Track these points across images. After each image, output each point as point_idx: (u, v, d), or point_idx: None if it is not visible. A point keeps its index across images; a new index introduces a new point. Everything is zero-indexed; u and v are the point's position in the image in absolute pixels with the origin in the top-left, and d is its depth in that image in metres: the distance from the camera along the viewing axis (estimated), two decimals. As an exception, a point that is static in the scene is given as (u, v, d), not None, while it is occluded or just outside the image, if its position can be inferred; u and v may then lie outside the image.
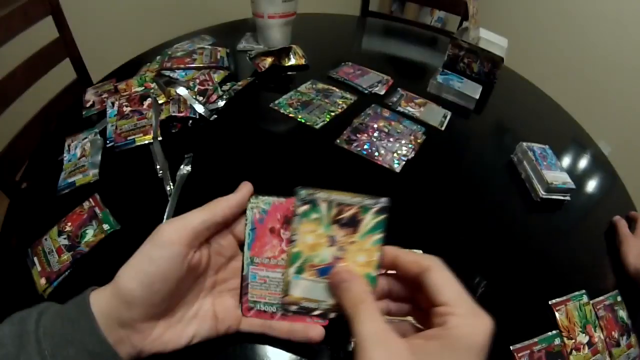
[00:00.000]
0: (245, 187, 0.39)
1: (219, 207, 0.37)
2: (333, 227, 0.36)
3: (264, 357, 0.42)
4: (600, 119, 1.76)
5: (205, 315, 0.38)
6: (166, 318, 0.36)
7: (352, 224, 0.36)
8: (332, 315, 0.36)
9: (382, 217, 0.36)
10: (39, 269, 0.50)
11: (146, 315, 0.33)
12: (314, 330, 0.37)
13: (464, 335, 0.28)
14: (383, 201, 0.36)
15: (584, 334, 0.48)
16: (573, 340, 0.47)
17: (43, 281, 0.49)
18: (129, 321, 0.33)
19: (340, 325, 0.34)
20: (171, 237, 0.34)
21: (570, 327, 0.48)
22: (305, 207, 0.36)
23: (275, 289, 0.38)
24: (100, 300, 0.33)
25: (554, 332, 0.47)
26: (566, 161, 0.76)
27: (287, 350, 0.41)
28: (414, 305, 0.36)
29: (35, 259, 0.52)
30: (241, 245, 0.40)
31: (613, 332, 0.49)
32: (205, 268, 0.39)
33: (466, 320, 0.29)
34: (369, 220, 0.36)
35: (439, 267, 0.32)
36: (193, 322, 0.37)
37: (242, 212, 0.40)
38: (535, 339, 0.46)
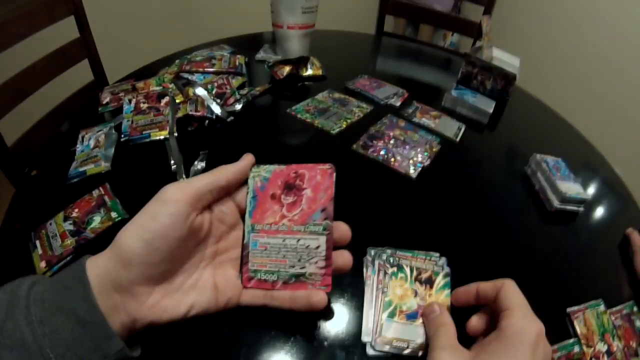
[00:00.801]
0: (248, 157, 0.41)
1: (222, 172, 0.38)
2: (416, 283, 0.45)
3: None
4: (615, 139, 1.75)
5: (205, 285, 0.37)
6: (164, 284, 0.35)
7: (428, 282, 0.45)
8: (420, 353, 0.39)
9: (448, 278, 0.45)
10: (40, 252, 0.49)
11: (144, 277, 0.32)
12: (316, 296, 0.36)
13: (516, 332, 0.33)
14: (448, 269, 0.46)
15: (602, 343, 0.46)
16: (592, 349, 0.45)
17: (43, 264, 0.47)
18: (126, 284, 0.32)
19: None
20: (175, 195, 0.34)
21: (589, 335, 0.46)
22: (394, 269, 0.46)
23: (276, 255, 0.38)
24: (97, 265, 0.32)
25: (573, 339, 0.46)
26: (580, 176, 0.76)
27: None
28: None
29: (38, 242, 0.50)
30: (243, 214, 0.40)
31: (631, 342, 0.48)
32: (206, 234, 0.38)
33: (519, 321, 0.33)
34: (440, 280, 0.45)
35: (511, 284, 0.37)
36: (192, 292, 0.36)
37: (245, 180, 0.40)
38: (555, 346, 0.44)
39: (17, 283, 0.31)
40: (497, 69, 0.94)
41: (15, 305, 0.28)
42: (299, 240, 0.37)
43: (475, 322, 0.39)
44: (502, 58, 1.08)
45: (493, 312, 0.38)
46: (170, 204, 0.34)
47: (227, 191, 0.39)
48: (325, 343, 0.40)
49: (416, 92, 0.92)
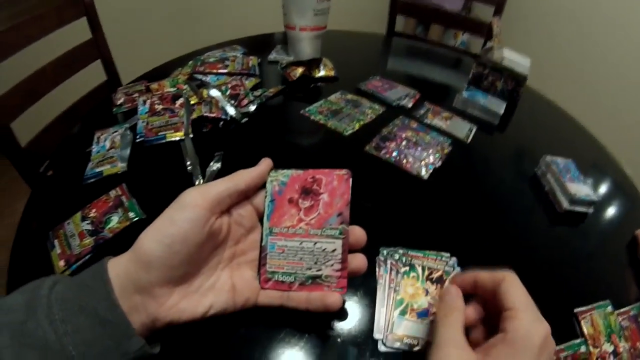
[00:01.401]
0: (266, 161, 0.41)
1: (241, 176, 0.39)
2: (427, 282, 0.46)
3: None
4: (625, 142, 1.74)
5: (223, 286, 0.37)
6: (183, 286, 0.35)
7: (439, 281, 0.46)
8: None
9: None
10: (59, 251, 0.50)
11: (164, 279, 0.33)
12: (331, 297, 0.37)
13: (522, 337, 0.31)
14: (458, 269, 0.47)
15: (609, 343, 0.47)
16: (599, 349, 0.46)
17: (62, 263, 0.48)
18: (146, 285, 0.32)
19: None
20: (194, 200, 0.35)
21: (595, 336, 0.47)
22: (406, 268, 0.47)
23: (293, 257, 0.38)
24: (118, 265, 0.32)
25: (580, 340, 0.46)
26: (589, 177, 0.75)
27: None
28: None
29: (56, 241, 0.51)
30: (261, 217, 0.41)
31: (638, 343, 0.48)
32: (225, 237, 0.39)
33: (526, 323, 0.32)
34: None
35: (512, 278, 0.35)
36: (210, 293, 0.37)
37: (263, 184, 0.41)
38: (562, 346, 0.45)
39: (38, 283, 0.31)
40: (507, 70, 0.94)
41: (37, 305, 0.29)
42: (315, 243, 0.38)
43: (470, 312, 0.38)
44: (513, 59, 1.08)
45: (487, 303, 0.37)
46: (190, 209, 0.34)
47: (245, 195, 0.40)
48: (339, 339, 0.41)
49: (428, 93, 0.93)
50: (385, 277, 0.47)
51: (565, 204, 0.64)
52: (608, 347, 0.46)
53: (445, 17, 1.49)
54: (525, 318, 0.32)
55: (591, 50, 1.96)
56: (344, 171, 0.40)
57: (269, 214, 0.40)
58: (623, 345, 0.47)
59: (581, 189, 0.64)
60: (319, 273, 0.38)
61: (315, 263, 0.38)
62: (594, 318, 0.48)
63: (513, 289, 0.34)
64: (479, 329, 0.37)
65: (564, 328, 0.47)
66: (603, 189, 0.75)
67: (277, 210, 0.40)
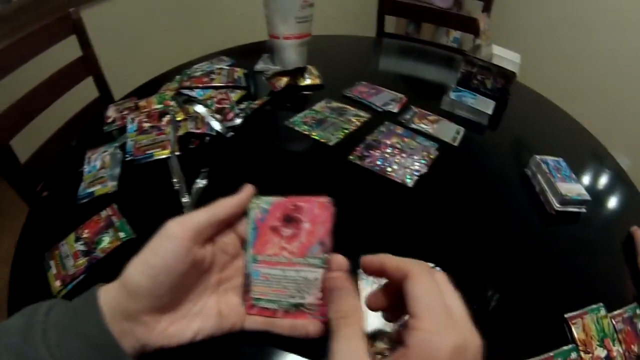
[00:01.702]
0: (247, 189, 0.41)
1: (222, 206, 0.39)
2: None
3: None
4: (619, 132, 1.73)
5: (210, 312, 0.39)
6: (171, 313, 0.36)
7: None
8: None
9: None
10: (55, 271, 0.52)
11: (151, 308, 0.34)
12: (312, 326, 0.38)
13: (424, 355, 0.27)
14: None
15: (601, 348, 0.46)
16: (590, 355, 0.46)
17: (58, 283, 0.50)
18: (134, 313, 0.33)
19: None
20: (175, 232, 0.36)
21: (587, 341, 0.47)
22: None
23: (277, 285, 0.39)
24: (107, 294, 0.34)
25: (571, 346, 0.46)
26: (583, 174, 0.76)
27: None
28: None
29: (52, 262, 0.53)
30: (244, 244, 0.41)
31: (632, 346, 0.48)
32: (209, 265, 0.39)
33: (428, 336, 0.27)
34: None
35: (420, 274, 0.31)
36: (197, 318, 0.38)
37: (245, 212, 0.41)
38: (551, 353, 0.45)
39: (34, 308, 0.33)
40: (496, 68, 0.94)
41: (34, 330, 0.31)
42: (298, 271, 0.38)
43: (374, 298, 0.36)
44: (503, 55, 1.08)
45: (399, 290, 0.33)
46: (172, 241, 0.35)
47: (228, 223, 0.41)
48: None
49: (415, 96, 0.93)
50: (367, 290, 0.48)
51: (557, 205, 0.64)
52: (600, 352, 0.46)
53: (435, 15, 1.49)
54: (428, 329, 0.27)
55: (582, 43, 1.96)
56: (325, 199, 0.39)
57: (252, 241, 0.40)
58: (617, 349, 0.47)
59: (573, 188, 0.64)
60: (302, 301, 0.38)
61: (298, 291, 0.38)
62: (585, 322, 0.48)
63: (417, 289, 0.30)
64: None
65: (555, 333, 0.48)
66: (596, 185, 0.74)
67: (260, 237, 0.40)
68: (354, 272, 0.48)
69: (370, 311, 0.37)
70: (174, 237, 0.35)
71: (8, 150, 0.86)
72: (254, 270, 0.40)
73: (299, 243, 0.38)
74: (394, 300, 0.36)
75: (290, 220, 0.39)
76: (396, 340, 0.36)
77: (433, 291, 0.30)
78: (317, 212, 0.39)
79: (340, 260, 0.40)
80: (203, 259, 0.38)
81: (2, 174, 0.85)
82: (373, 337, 0.43)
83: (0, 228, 1.52)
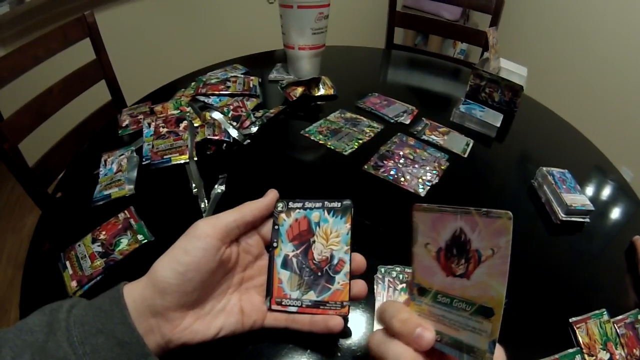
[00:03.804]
0: (272, 193, 0.44)
1: (248, 209, 0.42)
2: None
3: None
4: (622, 145, 1.76)
5: (233, 309, 0.40)
6: (196, 309, 0.38)
7: None
8: None
9: None
10: (71, 272, 0.52)
11: (178, 304, 0.35)
12: (333, 320, 0.39)
13: None
14: None
15: (605, 351, 0.48)
16: (594, 358, 0.47)
17: (74, 284, 0.50)
18: (161, 309, 0.35)
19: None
20: (206, 231, 0.37)
21: (591, 345, 0.48)
22: (403, 285, 0.50)
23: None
24: (133, 291, 0.35)
25: (575, 349, 0.47)
26: (587, 185, 0.77)
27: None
28: None
29: (68, 262, 0.53)
30: (267, 246, 0.44)
31: (634, 350, 0.49)
32: (234, 264, 0.41)
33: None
34: None
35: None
36: (221, 315, 0.39)
37: (269, 215, 0.44)
38: (557, 356, 0.46)
39: (56, 306, 0.33)
40: (504, 81, 0.96)
41: (57, 327, 0.31)
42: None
43: None
44: (510, 68, 1.10)
45: None
46: (202, 239, 0.37)
47: (252, 225, 0.43)
48: (339, 354, 0.43)
49: (426, 108, 0.95)
50: (383, 295, 0.49)
51: (562, 215, 0.65)
52: (604, 355, 0.47)
53: (442, 27, 1.51)
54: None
55: (588, 57, 1.99)
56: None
57: None
58: (619, 353, 0.48)
59: (577, 199, 0.66)
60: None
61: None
62: (589, 327, 0.49)
63: None
64: None
65: (560, 337, 0.49)
66: (601, 196, 0.76)
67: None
68: (369, 275, 0.50)
69: None
70: (205, 235, 0.37)
71: (17, 152, 0.86)
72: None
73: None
74: None
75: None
76: None
77: None
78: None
79: (359, 259, 0.42)
80: (229, 259, 0.40)
81: (13, 173, 0.85)
82: None
83: (5, 229, 1.53)
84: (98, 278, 0.51)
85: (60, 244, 0.56)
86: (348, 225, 0.42)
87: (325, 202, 0.43)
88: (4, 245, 1.42)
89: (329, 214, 0.43)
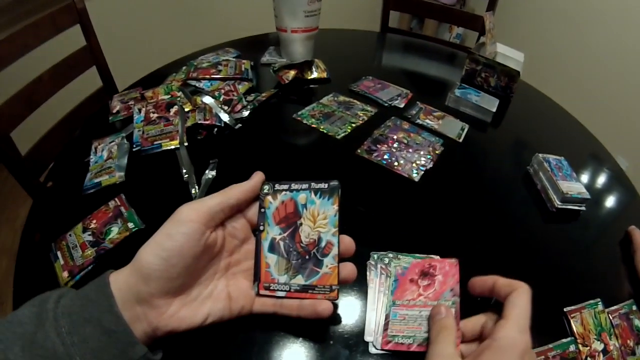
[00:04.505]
0: (257, 176, 0.44)
1: (233, 192, 0.41)
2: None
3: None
4: (618, 134, 1.75)
5: (220, 295, 0.40)
6: (182, 296, 0.37)
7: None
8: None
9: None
10: (62, 262, 0.51)
11: (163, 290, 0.35)
12: (322, 305, 0.39)
13: (507, 346, 0.33)
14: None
15: (599, 342, 0.48)
16: (588, 348, 0.47)
17: (65, 274, 0.50)
18: (146, 296, 0.34)
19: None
20: (189, 216, 0.37)
21: (585, 335, 0.48)
22: None
23: (413, 323, 0.43)
24: (119, 279, 0.34)
25: (569, 338, 0.47)
26: (583, 173, 0.77)
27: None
28: None
29: (59, 253, 0.53)
30: (253, 229, 0.44)
31: (628, 341, 0.49)
32: (220, 249, 0.41)
33: (512, 333, 0.34)
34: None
35: (524, 291, 0.37)
36: (207, 301, 0.39)
37: (255, 198, 0.43)
38: (550, 345, 0.46)
39: (45, 297, 0.33)
40: (501, 66, 0.95)
41: (45, 319, 0.31)
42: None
43: (471, 325, 0.40)
44: (506, 53, 1.09)
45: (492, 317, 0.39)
46: (185, 224, 0.36)
47: (238, 209, 0.42)
48: (331, 342, 0.43)
49: (420, 92, 0.93)
50: (376, 281, 0.49)
51: (557, 202, 0.65)
52: (598, 346, 0.47)
53: (439, 11, 1.49)
54: (513, 328, 0.34)
55: (586, 43, 1.97)
56: (453, 260, 0.45)
57: (392, 290, 0.45)
58: (614, 344, 0.48)
59: (573, 186, 0.65)
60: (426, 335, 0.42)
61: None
62: (583, 317, 0.49)
63: (517, 301, 0.36)
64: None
65: (554, 327, 0.49)
66: (597, 185, 0.76)
67: (400, 287, 0.46)
68: (362, 262, 0.49)
69: None
70: (188, 220, 0.37)
71: (8, 140, 0.85)
72: (392, 312, 0.44)
73: (433, 290, 0.43)
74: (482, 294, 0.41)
75: (426, 274, 0.45)
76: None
77: (527, 304, 0.36)
78: (447, 268, 0.44)
79: (347, 241, 0.42)
80: (214, 243, 0.39)
81: (4, 163, 0.84)
82: None
83: (-2, 220, 1.53)
84: (89, 268, 0.50)
85: (51, 234, 0.56)
86: (335, 207, 0.41)
87: (312, 184, 0.43)
88: (-1, 237, 1.42)
89: (315, 195, 0.42)
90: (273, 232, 0.42)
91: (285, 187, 0.43)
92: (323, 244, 0.41)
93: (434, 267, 0.45)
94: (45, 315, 0.31)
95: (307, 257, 0.41)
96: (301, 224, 0.42)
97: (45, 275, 0.51)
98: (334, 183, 0.42)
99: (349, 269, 0.41)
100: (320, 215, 0.42)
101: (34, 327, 0.31)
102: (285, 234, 0.42)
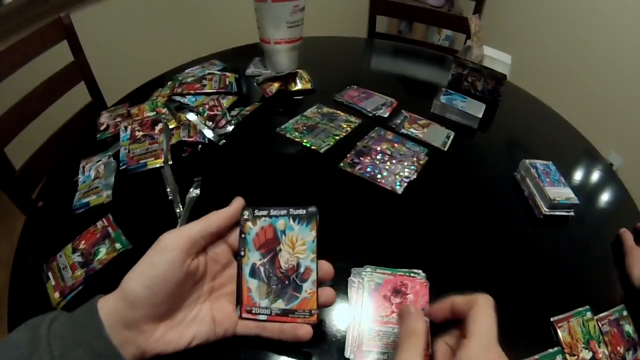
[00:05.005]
0: (237, 202, 0.44)
1: (213, 219, 0.42)
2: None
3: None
4: (611, 130, 1.76)
5: (204, 318, 0.41)
6: (167, 320, 0.39)
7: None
8: None
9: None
10: (53, 283, 0.53)
11: (148, 316, 0.37)
12: (302, 329, 0.41)
13: None
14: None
15: (587, 350, 0.47)
16: (576, 357, 0.47)
17: (57, 295, 0.51)
18: (133, 322, 0.36)
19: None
20: (171, 244, 0.38)
21: (572, 344, 0.48)
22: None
23: (387, 340, 0.45)
24: (107, 305, 0.36)
25: (556, 348, 0.47)
26: (573, 176, 0.76)
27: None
28: None
29: (50, 274, 0.54)
30: (235, 254, 0.45)
31: (618, 347, 0.49)
32: (202, 274, 0.42)
33: (473, 354, 0.32)
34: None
35: (483, 304, 0.36)
36: (192, 325, 0.40)
37: (235, 223, 0.45)
38: (537, 356, 0.46)
39: (37, 321, 0.35)
40: (487, 70, 0.95)
41: (39, 343, 0.33)
42: None
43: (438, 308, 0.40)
44: (494, 56, 1.09)
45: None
46: (167, 252, 0.38)
47: (219, 235, 0.44)
48: (313, 359, 0.44)
49: (406, 99, 0.94)
50: (354, 298, 0.50)
51: (545, 209, 0.65)
52: (586, 355, 0.47)
53: (425, 14, 1.49)
54: (476, 348, 0.33)
55: (573, 43, 1.98)
56: (423, 280, 0.49)
57: (366, 305, 0.48)
58: (602, 351, 0.48)
59: (561, 192, 0.65)
60: None
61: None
62: (571, 326, 0.49)
63: (477, 316, 0.35)
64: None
65: (541, 336, 0.49)
66: (587, 187, 0.75)
67: (373, 303, 0.49)
68: (342, 279, 0.51)
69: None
70: (170, 249, 0.38)
71: (3, 157, 0.86)
72: (368, 328, 0.46)
73: None
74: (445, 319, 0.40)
75: (398, 292, 0.48)
76: None
77: (488, 318, 0.35)
78: (418, 287, 0.48)
79: (326, 267, 0.43)
80: (197, 269, 0.41)
81: (-4, 182, 0.86)
82: None
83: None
84: (79, 288, 0.52)
85: (43, 253, 0.57)
86: (314, 233, 0.42)
87: (291, 210, 0.44)
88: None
89: (294, 221, 0.43)
90: (254, 257, 0.43)
91: (265, 212, 0.44)
92: (302, 269, 0.42)
93: (405, 285, 0.47)
94: (39, 339, 0.33)
95: (286, 282, 0.42)
96: (280, 249, 0.43)
97: (38, 296, 0.52)
98: (312, 209, 0.43)
99: (328, 294, 0.42)
100: (299, 241, 0.43)
101: (29, 350, 0.32)
102: (266, 260, 0.43)
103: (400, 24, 2.53)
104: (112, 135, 0.80)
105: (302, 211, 0.43)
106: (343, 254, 0.44)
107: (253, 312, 0.42)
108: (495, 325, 0.34)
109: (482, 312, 0.35)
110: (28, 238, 0.62)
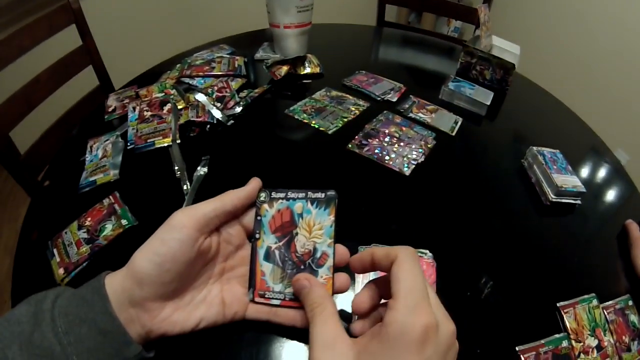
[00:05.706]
0: (254, 182, 0.43)
1: (229, 198, 0.40)
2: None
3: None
4: (618, 127, 1.74)
5: (213, 300, 0.40)
6: (175, 300, 0.38)
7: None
8: None
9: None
10: (58, 259, 0.53)
11: (156, 294, 0.35)
12: (340, 277, 0.39)
13: (398, 332, 0.28)
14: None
15: (593, 338, 0.47)
16: (581, 344, 0.46)
17: (61, 271, 0.51)
18: (139, 300, 0.35)
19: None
20: (183, 222, 0.37)
21: (578, 330, 0.47)
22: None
23: None
24: (114, 281, 0.35)
25: (562, 334, 0.46)
26: (579, 166, 0.76)
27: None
28: None
29: (55, 250, 0.54)
30: (249, 236, 0.43)
31: (624, 337, 0.48)
32: (214, 255, 0.41)
33: (403, 316, 0.29)
34: None
35: (405, 257, 0.32)
36: (201, 306, 0.39)
37: (251, 204, 0.43)
38: (542, 341, 0.45)
39: (41, 297, 0.34)
40: (496, 59, 0.94)
41: (42, 319, 0.32)
42: None
43: (359, 299, 0.37)
44: (502, 46, 1.08)
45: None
46: (179, 230, 0.36)
47: (233, 215, 0.42)
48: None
49: (414, 86, 0.93)
50: (362, 278, 0.49)
51: (552, 196, 0.64)
52: (592, 342, 0.46)
53: (435, 5, 1.48)
54: (403, 309, 0.29)
55: (582, 36, 1.95)
56: (430, 260, 0.48)
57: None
58: (608, 339, 0.47)
59: (568, 180, 0.65)
60: None
61: None
62: (577, 312, 0.48)
63: (401, 272, 0.31)
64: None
65: (547, 322, 0.48)
66: (594, 178, 0.75)
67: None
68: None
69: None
70: (181, 226, 0.36)
71: (8, 140, 0.86)
72: None
73: None
74: (377, 303, 0.37)
75: None
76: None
77: (414, 274, 0.31)
78: (425, 267, 0.46)
79: (342, 251, 0.41)
80: (208, 249, 0.39)
81: (3, 164, 0.86)
82: None
83: (0, 220, 1.54)
84: (84, 264, 0.52)
85: (48, 232, 0.57)
86: (332, 217, 0.41)
87: (309, 193, 0.42)
88: (0, 236, 1.44)
89: (312, 205, 0.42)
90: (269, 240, 0.42)
91: (282, 195, 0.42)
92: (318, 254, 0.41)
93: None
94: (42, 315, 0.32)
95: (302, 267, 0.41)
96: (297, 233, 0.41)
97: (42, 273, 0.52)
98: (331, 193, 0.41)
99: (343, 280, 0.40)
100: (316, 225, 0.41)
101: (31, 326, 0.31)
102: (281, 243, 0.42)
103: (409, 14, 2.51)
104: (119, 117, 0.79)
105: (320, 195, 0.42)
106: (350, 234, 0.42)
107: (266, 296, 0.41)
108: (421, 279, 0.31)
109: (403, 268, 0.31)
110: (33, 217, 0.62)
